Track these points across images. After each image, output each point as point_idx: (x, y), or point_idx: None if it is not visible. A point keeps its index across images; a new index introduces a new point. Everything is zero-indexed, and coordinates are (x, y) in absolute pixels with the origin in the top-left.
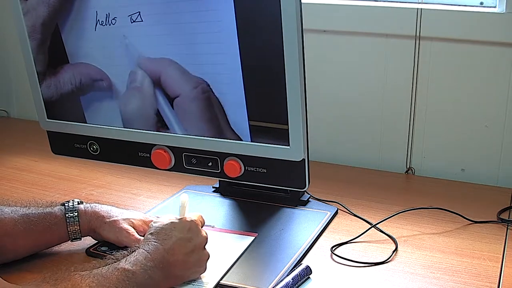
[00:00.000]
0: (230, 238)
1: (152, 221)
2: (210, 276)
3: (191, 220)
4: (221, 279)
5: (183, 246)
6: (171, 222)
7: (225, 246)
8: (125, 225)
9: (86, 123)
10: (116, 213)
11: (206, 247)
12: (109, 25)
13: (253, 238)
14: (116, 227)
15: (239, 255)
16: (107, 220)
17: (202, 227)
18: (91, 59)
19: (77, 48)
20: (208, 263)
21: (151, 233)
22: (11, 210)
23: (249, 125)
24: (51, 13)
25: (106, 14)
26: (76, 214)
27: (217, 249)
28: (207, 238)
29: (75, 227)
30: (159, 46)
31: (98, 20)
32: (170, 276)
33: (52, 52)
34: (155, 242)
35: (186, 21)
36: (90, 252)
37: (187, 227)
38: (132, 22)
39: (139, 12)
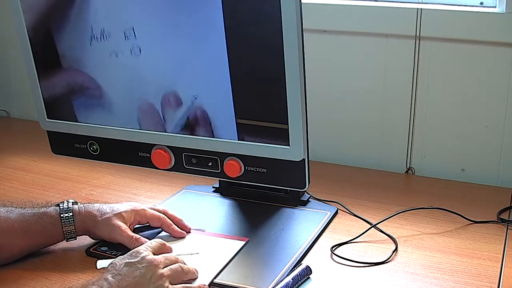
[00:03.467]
0: (220, 243)
1: (145, 210)
2: (199, 281)
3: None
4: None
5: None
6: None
7: (214, 251)
8: (118, 222)
9: (80, 122)
10: (107, 209)
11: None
12: (104, 40)
13: (243, 242)
14: (109, 224)
15: (228, 260)
16: (99, 218)
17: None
18: (84, 68)
19: (72, 60)
20: (197, 268)
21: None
22: (7, 210)
23: (250, 125)
24: (46, 18)
25: (101, 29)
26: (71, 214)
27: (206, 253)
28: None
29: (70, 227)
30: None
31: (93, 35)
32: None
33: (46, 55)
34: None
35: (180, 45)
36: (90, 252)
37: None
38: (126, 39)
39: (133, 27)
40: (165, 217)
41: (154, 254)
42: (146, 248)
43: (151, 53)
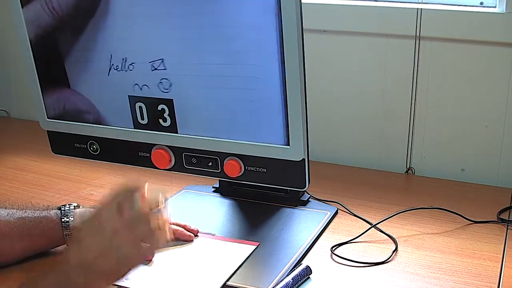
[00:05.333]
0: (230, 247)
1: None
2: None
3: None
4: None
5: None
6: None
7: (224, 256)
8: None
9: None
10: None
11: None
12: (125, 71)
13: (254, 247)
14: None
15: (238, 266)
16: None
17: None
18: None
19: (82, 87)
20: (208, 273)
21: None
22: (7, 213)
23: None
24: (52, 35)
25: (123, 59)
26: (72, 218)
27: (216, 258)
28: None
29: (71, 231)
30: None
31: (113, 64)
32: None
33: (52, 71)
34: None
35: (219, 73)
36: None
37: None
38: (153, 70)
39: (162, 59)
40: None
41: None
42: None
43: (184, 89)
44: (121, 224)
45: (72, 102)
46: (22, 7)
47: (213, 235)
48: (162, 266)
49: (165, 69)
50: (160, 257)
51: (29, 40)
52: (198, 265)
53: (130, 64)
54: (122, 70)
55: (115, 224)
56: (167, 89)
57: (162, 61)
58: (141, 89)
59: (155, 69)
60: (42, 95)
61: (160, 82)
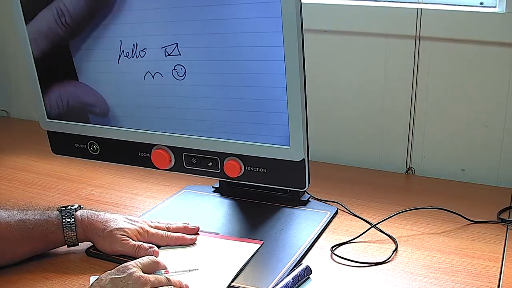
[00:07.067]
0: (235, 246)
1: (148, 231)
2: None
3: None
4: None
5: None
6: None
7: (229, 254)
8: (119, 235)
9: (89, 123)
10: (111, 223)
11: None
12: (136, 57)
13: (258, 246)
14: (111, 238)
15: (244, 263)
16: (101, 233)
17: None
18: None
19: (91, 77)
20: (215, 271)
21: None
22: (8, 215)
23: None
24: (63, 37)
25: (133, 45)
26: (72, 220)
27: (222, 257)
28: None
29: (72, 233)
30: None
31: (123, 51)
32: None
33: (57, 66)
34: None
35: (238, 58)
36: (90, 253)
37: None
38: (166, 56)
39: (177, 44)
40: (169, 233)
41: (144, 272)
42: (135, 264)
43: (199, 75)
44: None
45: (77, 96)
46: (26, 24)
47: (217, 234)
48: (170, 265)
49: (179, 55)
50: (168, 257)
51: (29, 40)
52: (205, 264)
53: (141, 50)
54: (132, 57)
55: None
56: (181, 76)
57: (177, 46)
58: (153, 77)
59: (169, 54)
60: (42, 94)
61: (174, 69)
